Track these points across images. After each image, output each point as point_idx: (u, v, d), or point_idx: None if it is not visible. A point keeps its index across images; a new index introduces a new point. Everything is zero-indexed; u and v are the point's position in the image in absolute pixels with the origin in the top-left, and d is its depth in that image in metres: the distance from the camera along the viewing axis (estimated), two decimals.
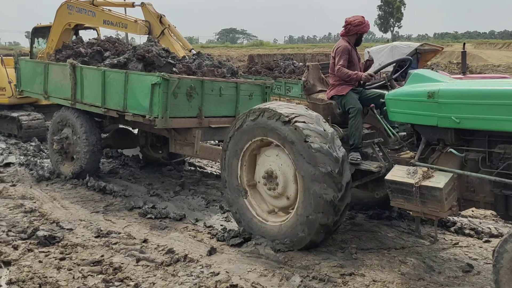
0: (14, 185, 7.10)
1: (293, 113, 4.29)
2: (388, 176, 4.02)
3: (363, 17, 5.02)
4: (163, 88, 5.68)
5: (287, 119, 4.25)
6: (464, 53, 14.13)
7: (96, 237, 5.02)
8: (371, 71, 4.99)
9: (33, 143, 10.42)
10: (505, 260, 2.93)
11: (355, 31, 4.94)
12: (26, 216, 5.69)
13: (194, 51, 8.34)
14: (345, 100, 4.81)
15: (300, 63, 16.73)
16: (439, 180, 3.70)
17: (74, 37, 9.81)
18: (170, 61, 6.51)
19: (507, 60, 44.79)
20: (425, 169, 3.86)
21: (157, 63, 6.40)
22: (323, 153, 4.07)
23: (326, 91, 5.16)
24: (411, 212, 4.13)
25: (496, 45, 58.10)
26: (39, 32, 12.20)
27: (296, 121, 4.21)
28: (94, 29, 11.58)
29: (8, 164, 8.41)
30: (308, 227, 4.19)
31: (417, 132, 4.27)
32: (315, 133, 4.15)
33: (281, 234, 4.43)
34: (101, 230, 5.17)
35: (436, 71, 9.24)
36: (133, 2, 9.24)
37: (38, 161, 8.61)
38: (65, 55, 7.31)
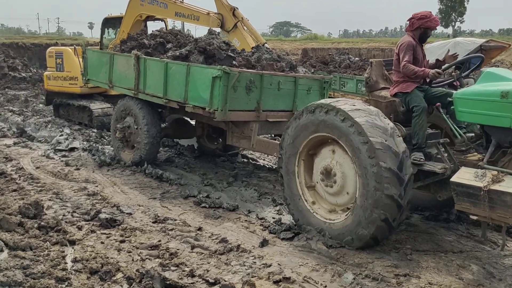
0: (78, 169, 7.49)
1: (352, 108, 4.22)
2: (454, 178, 3.87)
3: (430, 12, 4.82)
4: (224, 81, 5.75)
5: (346, 114, 4.19)
6: None
7: (153, 222, 5.20)
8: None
9: (95, 130, 10.92)
10: None
11: (418, 25, 4.75)
12: (89, 199, 5.99)
13: (267, 45, 8.30)
14: (409, 97, 4.66)
15: (356, 58, 16.42)
16: (510, 185, 3.53)
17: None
18: (231, 54, 6.58)
19: None
20: (495, 172, 3.69)
21: (218, 56, 6.49)
22: (383, 148, 3.98)
23: (389, 88, 5.02)
24: (477, 217, 3.95)
25: None
26: (109, 23, 12.51)
27: (355, 116, 4.14)
28: (162, 20, 11.83)
29: (72, 149, 8.88)
30: (369, 224, 4.11)
31: (486, 134, 4.08)
32: (374, 128, 4.06)
33: (342, 232, 4.37)
34: (158, 216, 5.35)
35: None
36: None
37: (100, 147, 9.01)
38: (129, 46, 7.57)
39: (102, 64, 7.97)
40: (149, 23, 11.19)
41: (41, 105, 15.76)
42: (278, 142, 5.93)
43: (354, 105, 4.32)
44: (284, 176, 4.94)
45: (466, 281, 3.85)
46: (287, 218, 5.29)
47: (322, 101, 4.61)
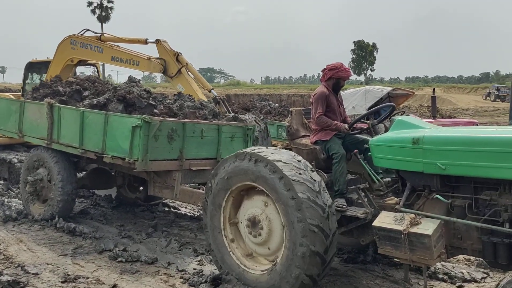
0: None
1: (280, 160, 4.18)
2: (376, 223, 3.97)
3: (341, 63, 5.05)
4: (144, 130, 5.57)
5: (274, 166, 4.13)
6: (434, 98, 14.56)
7: (62, 282, 4.79)
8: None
9: (0, 181, 10.01)
10: None
11: (330, 75, 4.95)
12: None
13: (214, 92, 8.06)
14: (328, 145, 4.80)
15: (276, 104, 16.89)
16: (427, 227, 3.67)
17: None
18: (152, 102, 6.44)
19: (475, 104, 46.61)
20: (413, 215, 3.83)
21: (138, 104, 6.31)
22: (310, 204, 3.96)
23: (309, 136, 5.15)
24: (399, 259, 4.05)
25: (464, 90, 60.58)
26: (34, 67, 11.70)
27: (283, 169, 4.09)
28: (94, 65, 11.30)
29: None
30: (293, 279, 4.04)
31: (402, 178, 4.27)
32: (303, 183, 4.04)
33: (263, 284, 4.26)
34: (69, 275, 4.94)
35: (407, 114, 9.41)
36: (146, 39, 8.82)
37: (6, 200, 8.29)
38: (42, 93, 7.15)
39: (11, 112, 7.43)
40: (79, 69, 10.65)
41: None
42: (202, 192, 5.79)
43: (282, 156, 4.25)
44: (208, 206, 4.76)
45: None
46: (208, 268, 5.13)
47: (250, 149, 4.51)
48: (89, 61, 9.92)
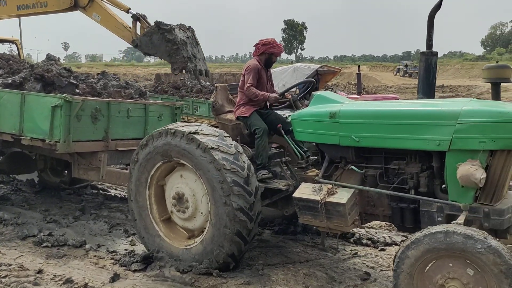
0: None
1: (195, 130, 4.34)
2: (296, 194, 4.18)
3: (274, 39, 5.13)
4: (65, 110, 5.37)
5: (190, 136, 4.27)
6: (359, 75, 15.24)
7: None
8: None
9: None
10: (405, 265, 3.16)
11: (262, 50, 5.02)
12: None
13: (132, 12, 7.54)
14: (249, 121, 4.90)
15: (207, 83, 16.79)
16: (342, 196, 3.93)
17: None
18: (73, 81, 6.19)
19: (398, 82, 49.26)
20: (330, 186, 4.07)
21: (58, 83, 6.05)
22: (228, 163, 4.14)
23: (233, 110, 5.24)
24: (318, 227, 4.31)
25: (388, 68, 63.63)
26: None
27: (199, 138, 4.25)
28: (13, 42, 10.35)
29: None
30: (224, 241, 4.18)
31: (321, 151, 4.50)
32: (218, 147, 4.21)
33: (200, 255, 4.36)
34: None
35: (335, 92, 9.81)
36: None
37: None
38: None
39: None
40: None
41: None
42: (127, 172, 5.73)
43: (197, 127, 4.43)
44: (135, 209, 4.80)
45: None
46: (140, 248, 5.12)
47: (164, 127, 4.61)
48: None
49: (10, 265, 4.70)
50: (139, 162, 4.70)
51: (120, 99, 6.27)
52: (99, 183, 8.26)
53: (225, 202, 4.11)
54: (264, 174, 4.63)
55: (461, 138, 3.42)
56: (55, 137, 5.45)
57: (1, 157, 7.31)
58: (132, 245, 5.39)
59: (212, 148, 4.18)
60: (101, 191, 8.13)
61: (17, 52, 11.50)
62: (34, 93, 5.80)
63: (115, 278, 4.33)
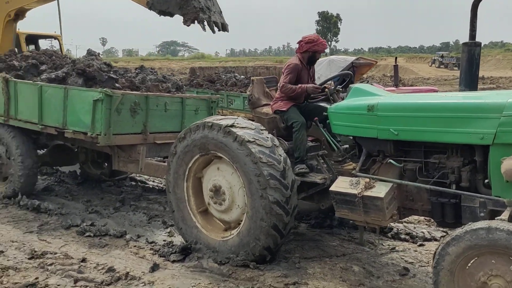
0: None
1: (232, 124, 4.36)
2: (332, 188, 4.16)
3: (318, 36, 5.08)
4: (106, 104, 5.52)
5: (227, 129, 4.30)
6: (396, 67, 14.93)
7: (29, 258, 4.77)
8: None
9: None
10: (446, 262, 3.09)
11: (306, 48, 4.96)
12: None
13: None
14: (287, 115, 4.90)
15: (242, 76, 16.88)
16: (380, 190, 3.88)
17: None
18: (112, 75, 6.36)
19: (436, 73, 47.88)
20: (367, 179, 4.03)
21: (99, 78, 6.22)
22: (265, 157, 4.15)
23: (270, 104, 5.25)
24: (354, 222, 4.28)
25: (426, 59, 61.94)
26: None
27: (236, 131, 4.27)
28: (55, 38, 10.74)
29: None
30: (260, 234, 4.21)
31: (358, 144, 4.45)
32: (255, 140, 4.22)
33: (236, 247, 4.41)
34: (35, 251, 4.92)
35: (371, 84, 9.66)
36: None
37: None
38: None
39: None
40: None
41: None
42: (166, 165, 5.86)
43: (233, 120, 4.45)
44: (173, 200, 4.89)
45: (349, 282, 4.12)
46: (178, 239, 5.21)
47: (201, 120, 4.67)
48: (28, 9, 9.24)
49: (56, 253, 4.89)
50: (177, 155, 4.78)
51: (158, 93, 6.39)
52: (137, 175, 8.47)
53: (262, 195, 4.14)
54: (301, 169, 4.62)
55: (506, 131, 3.31)
56: (97, 130, 5.62)
57: (45, 149, 7.59)
58: (170, 236, 5.49)
59: (248, 141, 4.20)
60: (139, 183, 8.31)
61: (58, 47, 11.91)
62: (76, 87, 5.99)
63: (154, 268, 4.43)
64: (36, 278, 4.24)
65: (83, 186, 7.92)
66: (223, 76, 18.00)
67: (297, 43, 5.11)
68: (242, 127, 4.35)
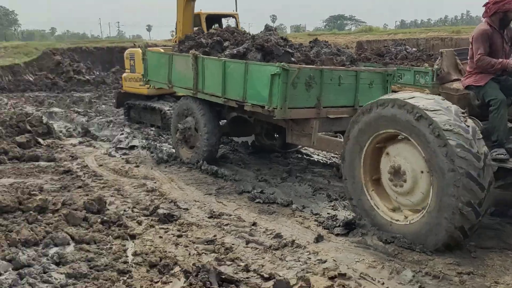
0: (137, 166, 7.72)
1: (428, 107, 3.91)
2: None
3: None
4: (283, 78, 5.63)
5: (422, 112, 3.89)
6: None
7: (209, 217, 5.28)
8: None
9: (153, 128, 11.15)
10: None
11: (494, 9, 4.32)
12: (148, 195, 6.17)
13: None
14: (483, 91, 4.31)
15: (413, 49, 15.67)
16: None
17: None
18: (289, 50, 6.45)
19: None
20: None
21: (276, 53, 6.38)
22: (462, 151, 3.68)
23: (461, 80, 4.69)
24: None
25: None
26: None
27: (432, 115, 3.83)
28: (233, 16, 11.62)
29: (132, 147, 9.17)
30: (442, 230, 3.87)
31: None
32: (453, 129, 3.76)
33: (409, 235, 4.15)
34: (214, 211, 5.44)
35: None
36: None
37: (158, 144, 9.24)
38: (187, 46, 7.62)
39: (161, 64, 8.08)
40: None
41: (103, 105, 16.50)
42: (340, 140, 5.76)
43: (431, 102, 3.98)
44: (347, 169, 4.76)
45: None
46: (342, 214, 5.23)
47: (393, 95, 4.36)
48: None
49: (230, 215, 5.34)
50: (359, 126, 4.55)
51: (332, 67, 6.27)
52: (303, 148, 8.62)
53: (452, 194, 3.73)
54: (499, 154, 4.04)
55: None
56: (273, 104, 5.80)
57: (225, 121, 8.20)
58: (334, 210, 5.51)
59: (446, 130, 3.75)
60: (305, 156, 8.48)
61: (235, 25, 12.63)
62: (256, 62, 6.24)
63: (319, 239, 4.53)
64: (214, 236, 4.68)
65: (254, 156, 8.43)
66: (393, 49, 17.07)
67: (483, 6, 4.44)
68: (437, 111, 3.88)
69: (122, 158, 8.33)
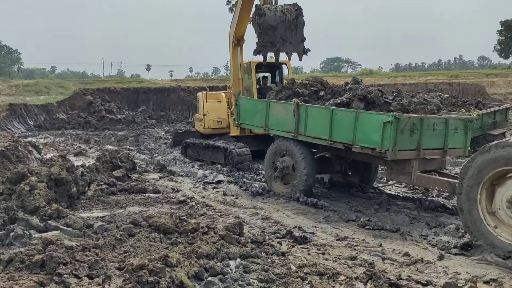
0: (236, 198, 8.66)
1: None
2: None
3: None
4: (395, 125, 6.73)
5: None
6: None
7: (337, 240, 6.19)
8: None
9: (218, 166, 12.11)
10: None
11: None
12: (264, 221, 7.08)
13: None
14: None
15: (446, 95, 16.69)
16: None
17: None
18: (387, 100, 7.57)
19: None
20: None
21: (377, 102, 7.49)
22: None
23: None
24: None
25: None
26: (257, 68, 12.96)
27: None
28: (284, 64, 12.78)
29: (219, 182, 10.19)
30: None
31: None
32: None
33: None
34: (338, 235, 6.35)
35: None
36: None
37: (246, 180, 10.24)
38: (285, 94, 8.76)
39: (258, 110, 9.20)
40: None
41: (152, 144, 17.56)
42: (437, 177, 6.84)
43: None
44: (464, 202, 5.78)
45: None
46: (446, 238, 6.22)
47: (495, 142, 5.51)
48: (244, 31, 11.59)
49: (353, 238, 6.25)
50: (477, 164, 5.60)
51: (428, 115, 7.40)
52: (381, 185, 9.64)
53: None
54: None
55: None
56: (385, 147, 6.87)
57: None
58: (436, 235, 6.45)
59: None
60: (377, 190, 9.49)
61: (286, 73, 13.75)
62: (366, 111, 7.34)
63: (441, 257, 5.49)
64: (354, 254, 5.54)
65: (334, 191, 9.40)
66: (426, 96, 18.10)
67: None
68: None
69: (217, 191, 9.29)
